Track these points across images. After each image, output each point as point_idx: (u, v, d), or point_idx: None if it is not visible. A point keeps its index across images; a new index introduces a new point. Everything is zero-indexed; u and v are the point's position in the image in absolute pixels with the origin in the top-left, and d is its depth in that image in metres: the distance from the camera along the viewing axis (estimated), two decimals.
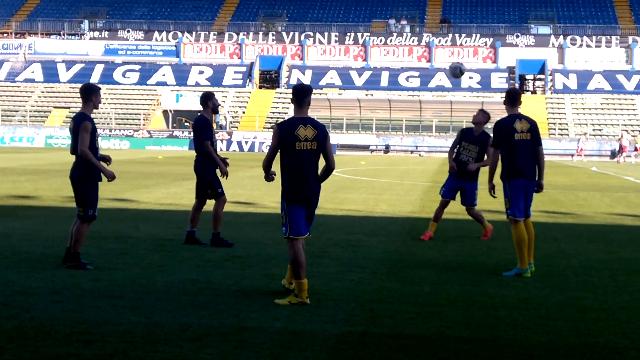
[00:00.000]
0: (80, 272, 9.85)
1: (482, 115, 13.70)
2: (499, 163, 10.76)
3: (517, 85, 73.97)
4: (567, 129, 67.25)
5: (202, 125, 12.57)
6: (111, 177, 10.30)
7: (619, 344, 7.09)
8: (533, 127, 10.58)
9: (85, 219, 10.22)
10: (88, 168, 10.15)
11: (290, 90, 67.10)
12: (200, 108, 12.87)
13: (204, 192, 12.72)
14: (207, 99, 12.68)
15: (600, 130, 68.12)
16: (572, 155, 61.03)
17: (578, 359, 6.61)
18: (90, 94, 10.29)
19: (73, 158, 10.32)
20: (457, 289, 9.44)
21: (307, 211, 8.72)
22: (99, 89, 10.58)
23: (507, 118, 10.57)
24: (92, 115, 10.40)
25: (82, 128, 10.08)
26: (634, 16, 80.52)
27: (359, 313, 8.07)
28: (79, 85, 57.13)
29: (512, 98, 10.66)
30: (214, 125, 12.71)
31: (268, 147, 8.70)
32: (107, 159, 10.47)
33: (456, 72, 14.04)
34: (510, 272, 10.42)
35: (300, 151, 8.47)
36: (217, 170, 12.74)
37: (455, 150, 14.01)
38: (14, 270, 9.94)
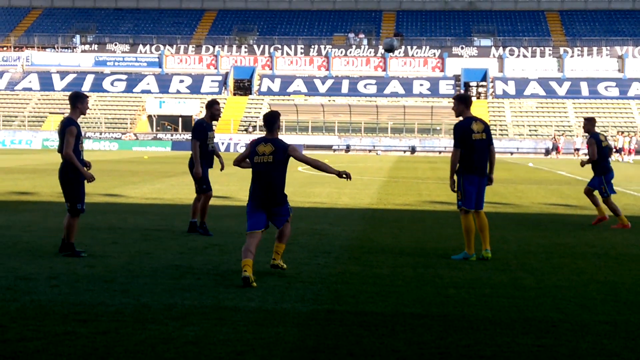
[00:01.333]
0: (75, 260, 9.78)
1: (589, 123, 14.54)
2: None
3: (462, 91, 74.32)
4: (506, 130, 67.72)
5: (195, 128, 12.65)
6: (90, 179, 10.13)
7: (554, 318, 7.15)
8: (487, 128, 10.54)
9: (74, 213, 10.12)
10: (72, 167, 10.04)
11: (261, 97, 66.63)
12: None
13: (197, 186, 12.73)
14: (208, 106, 12.68)
15: (535, 130, 68.66)
16: (550, 154, 61.95)
17: (519, 331, 6.66)
18: (76, 101, 10.19)
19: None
20: (411, 271, 9.47)
21: (266, 212, 8.97)
22: (86, 97, 10.47)
23: (465, 121, 10.46)
24: (84, 120, 10.32)
25: (68, 132, 9.97)
26: (564, 30, 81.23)
27: (325, 293, 8.07)
28: (70, 93, 56.62)
29: (466, 101, 10.62)
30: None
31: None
32: (87, 164, 10.33)
33: (391, 44, 13.97)
34: (458, 256, 10.45)
35: (257, 164, 8.99)
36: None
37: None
38: (16, 258, 9.85)
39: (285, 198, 9.06)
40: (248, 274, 8.27)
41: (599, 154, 14.55)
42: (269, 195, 8.92)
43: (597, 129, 14.88)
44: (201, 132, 12.52)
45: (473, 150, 10.33)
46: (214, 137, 12.90)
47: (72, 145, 9.97)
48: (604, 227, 14.57)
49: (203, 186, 12.64)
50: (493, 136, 66.84)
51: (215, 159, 12.88)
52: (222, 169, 13.23)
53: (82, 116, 10.38)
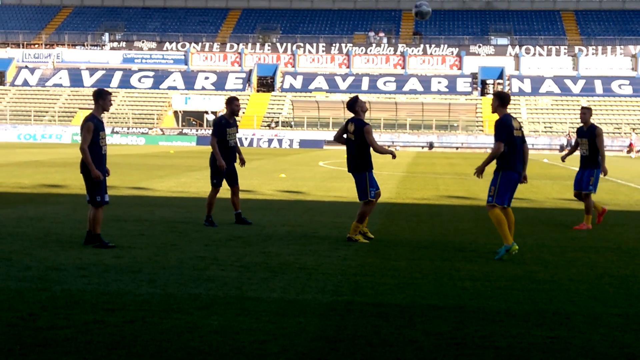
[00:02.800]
0: (103, 250, 9.83)
1: (586, 112, 13.45)
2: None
3: (479, 89, 74.03)
4: (522, 127, 67.41)
5: (214, 124, 12.70)
6: (95, 177, 9.98)
7: (567, 310, 7.12)
8: (521, 126, 10.33)
9: (95, 204, 10.12)
10: (89, 162, 10.02)
11: (283, 94, 66.94)
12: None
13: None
14: (228, 102, 12.77)
15: (550, 127, 68.28)
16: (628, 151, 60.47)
17: (533, 323, 6.64)
18: (99, 98, 10.16)
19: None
20: (429, 263, 9.45)
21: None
22: (109, 93, 10.34)
23: (506, 117, 10.06)
24: (112, 115, 10.40)
25: (85, 128, 9.98)
26: (579, 29, 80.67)
27: (345, 285, 8.07)
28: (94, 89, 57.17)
29: (504, 99, 10.15)
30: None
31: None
32: (107, 171, 10.28)
33: (421, 11, 13.75)
34: (500, 251, 9.93)
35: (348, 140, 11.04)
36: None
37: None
38: (47, 248, 9.92)
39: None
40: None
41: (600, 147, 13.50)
42: (352, 166, 11.27)
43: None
44: (220, 128, 12.56)
45: (513, 147, 9.98)
46: (236, 133, 12.88)
47: (87, 141, 9.95)
48: (616, 222, 14.47)
49: (213, 181, 12.71)
50: None
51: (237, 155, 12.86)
52: (242, 164, 13.19)
53: (105, 112, 10.39)
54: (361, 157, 11.03)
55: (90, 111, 10.42)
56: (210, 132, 68.29)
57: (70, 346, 5.67)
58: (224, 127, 12.60)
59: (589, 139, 13.44)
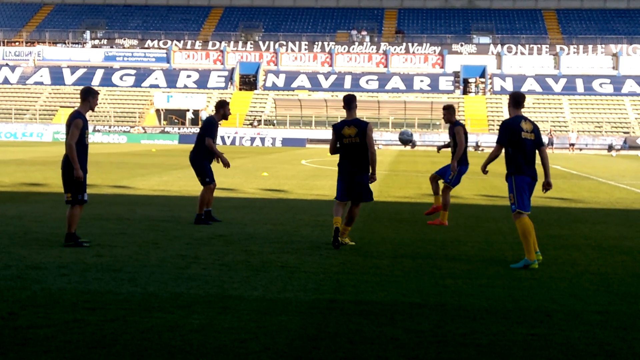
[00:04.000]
0: (84, 249, 9.77)
1: (447, 112, 13.34)
2: (499, 161, 10.12)
3: (461, 88, 74.28)
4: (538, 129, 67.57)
5: (209, 125, 12.76)
6: (77, 177, 9.93)
7: (548, 308, 7.16)
8: (536, 128, 9.71)
9: (76, 202, 10.02)
10: (69, 160, 9.93)
11: (265, 92, 66.86)
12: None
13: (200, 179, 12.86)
14: (220, 106, 12.87)
15: None
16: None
17: (514, 320, 6.66)
18: (88, 95, 10.08)
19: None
20: (410, 261, 9.47)
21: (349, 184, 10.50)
22: (97, 93, 10.42)
23: (513, 118, 9.62)
24: (95, 113, 10.38)
25: (74, 124, 9.89)
26: (561, 28, 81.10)
27: (326, 283, 8.07)
28: (82, 87, 56.79)
29: (517, 100, 9.74)
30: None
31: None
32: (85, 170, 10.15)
33: (405, 139, 13.94)
34: (518, 264, 9.32)
35: (347, 144, 10.42)
36: (216, 162, 12.94)
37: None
38: (26, 247, 9.86)
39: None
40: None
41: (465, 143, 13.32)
42: (355, 173, 10.54)
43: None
44: (215, 129, 12.75)
45: (522, 150, 9.47)
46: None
47: (75, 137, 9.87)
48: (597, 220, 14.55)
49: (206, 179, 12.71)
50: (490, 131, 66.54)
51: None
52: (219, 162, 13.26)
53: (90, 111, 10.31)
54: (366, 157, 10.42)
55: (75, 108, 10.35)
56: (195, 130, 67.60)
57: (50, 345, 5.64)
58: (216, 129, 12.83)
59: (452, 135, 13.40)
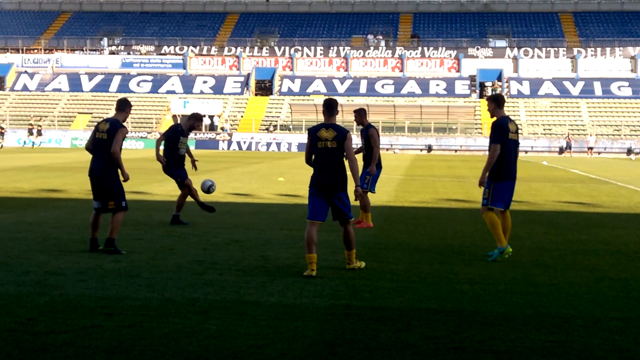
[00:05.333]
0: (102, 255, 9.81)
1: (358, 114, 13.30)
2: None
3: (477, 92, 74.11)
4: (521, 129, 67.33)
5: (171, 128, 13.51)
6: (126, 179, 10.43)
7: (566, 314, 7.11)
8: (518, 129, 10.30)
9: (120, 209, 10.14)
10: (115, 166, 10.13)
11: (281, 97, 66.89)
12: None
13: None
14: (194, 118, 13.60)
15: (549, 130, 68.29)
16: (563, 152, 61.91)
17: (532, 327, 6.63)
18: (126, 106, 10.48)
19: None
20: (427, 267, 9.45)
21: (326, 199, 8.98)
22: (131, 105, 10.75)
23: (503, 118, 10.02)
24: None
25: (120, 132, 10.14)
26: (578, 31, 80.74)
27: (343, 289, 8.06)
28: (100, 93, 57.58)
29: (502, 101, 10.18)
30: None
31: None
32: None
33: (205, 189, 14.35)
34: (494, 254, 10.03)
35: (321, 149, 8.93)
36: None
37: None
38: (45, 253, 9.91)
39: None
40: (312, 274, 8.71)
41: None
42: (332, 183, 9.01)
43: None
44: (175, 134, 13.27)
45: (507, 151, 9.94)
46: (186, 143, 13.56)
47: (121, 144, 10.15)
48: (617, 224, 14.46)
49: (178, 179, 13.31)
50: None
51: (188, 157, 13.60)
52: (193, 166, 13.78)
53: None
54: (343, 168, 9.26)
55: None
56: (211, 135, 67.56)
57: (69, 351, 5.66)
58: (179, 135, 13.29)
59: (365, 138, 13.36)
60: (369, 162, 13.36)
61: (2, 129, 57.32)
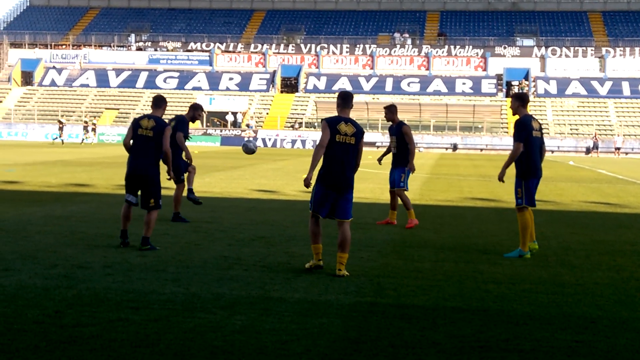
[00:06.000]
0: (128, 249, 9.89)
1: (389, 111, 13.14)
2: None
3: (504, 91, 73.71)
4: (548, 129, 66.89)
5: (181, 122, 13.28)
6: (172, 177, 10.97)
7: (593, 315, 7.07)
8: (541, 126, 10.46)
9: (157, 207, 10.16)
10: (158, 165, 10.10)
11: (307, 94, 66.93)
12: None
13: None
14: (195, 108, 13.62)
15: (576, 129, 67.76)
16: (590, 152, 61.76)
17: (557, 327, 6.59)
18: (162, 103, 10.44)
19: (123, 151, 10.35)
20: (452, 265, 9.42)
21: (332, 197, 8.63)
22: (166, 102, 10.70)
23: (527, 117, 10.14)
24: (137, 117, 10.58)
25: (167, 130, 10.07)
26: (606, 30, 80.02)
27: (367, 286, 8.07)
28: (127, 89, 57.87)
29: (524, 99, 10.28)
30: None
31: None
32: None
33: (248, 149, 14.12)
34: (512, 254, 10.15)
35: (340, 144, 8.57)
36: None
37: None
38: (73, 247, 10.00)
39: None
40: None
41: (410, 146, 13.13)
42: (345, 180, 8.71)
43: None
44: (186, 127, 13.26)
45: (532, 148, 10.06)
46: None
47: (168, 142, 10.10)
48: None
49: (181, 177, 13.33)
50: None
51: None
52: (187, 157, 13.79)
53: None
54: (354, 165, 9.09)
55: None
56: (236, 132, 67.84)
57: (95, 344, 5.72)
58: (187, 126, 13.31)
59: (397, 135, 13.14)
60: (401, 160, 13.18)
61: (62, 123, 56.78)
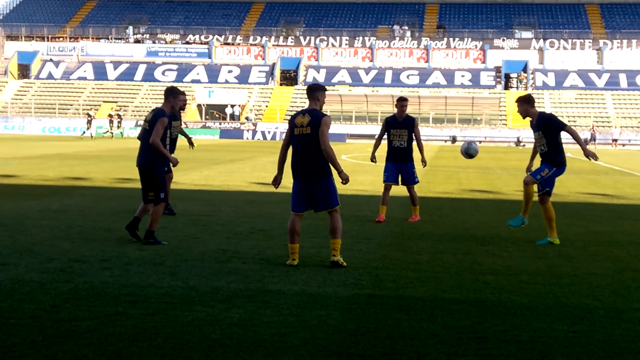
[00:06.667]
0: (126, 243, 9.88)
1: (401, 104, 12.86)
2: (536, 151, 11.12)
3: (503, 83, 73.69)
4: None
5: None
6: (175, 162, 10.25)
7: (589, 305, 7.08)
8: None
9: (159, 201, 10.02)
10: (158, 157, 9.96)
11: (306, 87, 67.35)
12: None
13: None
14: (173, 95, 11.06)
15: (574, 121, 67.74)
16: (588, 144, 61.81)
17: (554, 317, 6.60)
18: (169, 95, 10.29)
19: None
20: (451, 257, 9.43)
21: (306, 189, 8.73)
22: (180, 93, 10.47)
23: (544, 112, 10.80)
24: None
25: (160, 122, 9.92)
26: (604, 23, 79.96)
27: (366, 278, 8.07)
28: (125, 82, 57.85)
29: (531, 100, 10.79)
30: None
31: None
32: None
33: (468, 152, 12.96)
34: (516, 221, 10.91)
35: (297, 136, 8.64)
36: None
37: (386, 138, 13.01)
38: (70, 240, 9.99)
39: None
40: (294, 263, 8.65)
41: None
42: (309, 171, 8.68)
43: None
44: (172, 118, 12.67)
45: (561, 139, 10.85)
46: (179, 127, 13.11)
47: (160, 134, 9.89)
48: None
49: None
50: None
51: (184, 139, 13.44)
52: (191, 145, 13.91)
53: (173, 110, 10.43)
54: (320, 155, 8.79)
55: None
56: (236, 125, 67.73)
57: (92, 338, 5.71)
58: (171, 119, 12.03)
59: (409, 129, 12.83)
60: (410, 155, 12.89)
61: (90, 116, 55.18)
